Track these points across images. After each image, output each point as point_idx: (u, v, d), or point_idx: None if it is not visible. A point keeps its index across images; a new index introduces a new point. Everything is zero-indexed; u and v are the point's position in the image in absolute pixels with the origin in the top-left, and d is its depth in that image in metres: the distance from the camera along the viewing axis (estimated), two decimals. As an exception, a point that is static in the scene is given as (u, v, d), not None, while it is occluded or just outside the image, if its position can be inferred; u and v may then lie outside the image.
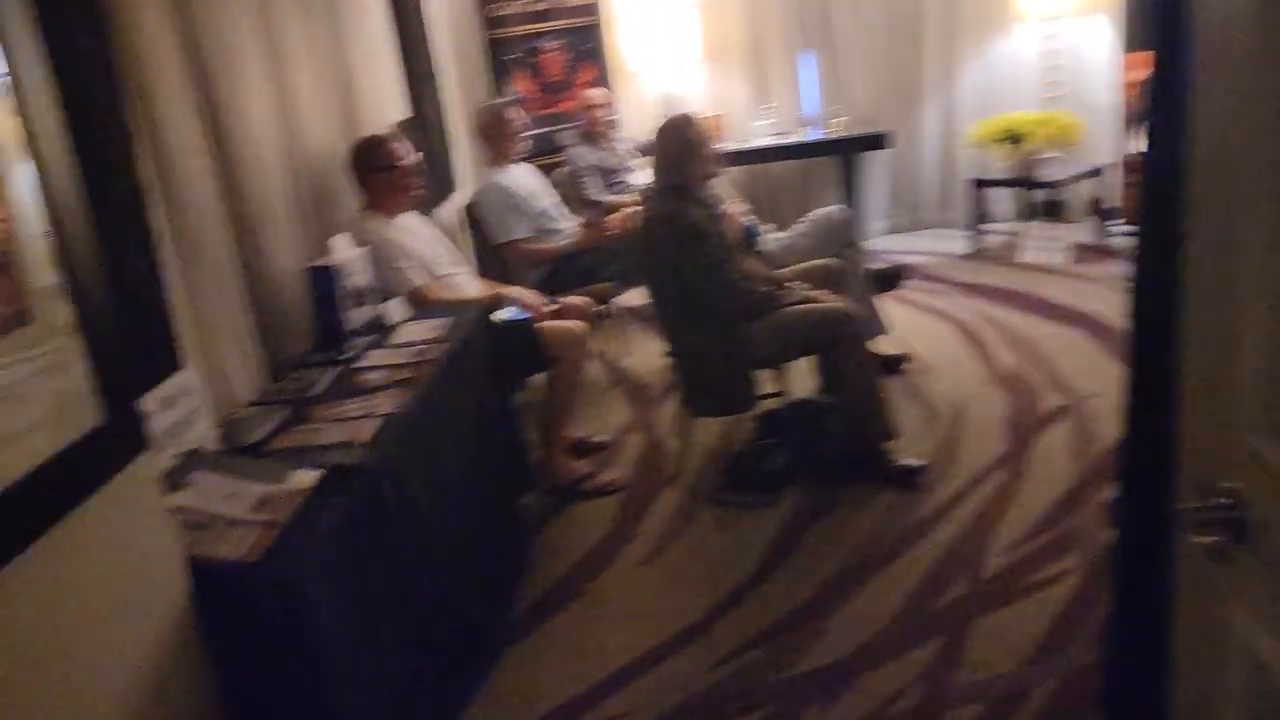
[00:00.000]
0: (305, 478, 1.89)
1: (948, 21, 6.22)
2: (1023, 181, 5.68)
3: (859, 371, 3.22)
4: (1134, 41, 5.43)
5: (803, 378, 3.60)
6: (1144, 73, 4.98)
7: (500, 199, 4.32)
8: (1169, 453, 1.27)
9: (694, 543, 3.11)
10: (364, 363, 2.71)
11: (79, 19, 1.80)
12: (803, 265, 3.71)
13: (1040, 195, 5.89)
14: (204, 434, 2.11)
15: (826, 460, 3.35)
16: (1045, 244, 5.45)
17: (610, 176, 5.11)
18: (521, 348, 3.30)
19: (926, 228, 6.56)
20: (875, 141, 5.96)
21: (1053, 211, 5.75)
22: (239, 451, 2.12)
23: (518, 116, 4.46)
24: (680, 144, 3.28)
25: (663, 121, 3.43)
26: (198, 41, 2.43)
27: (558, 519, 3.34)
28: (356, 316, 2.99)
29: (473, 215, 4.46)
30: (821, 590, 2.75)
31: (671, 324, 3.43)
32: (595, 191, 4.96)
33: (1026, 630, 2.46)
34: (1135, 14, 5.36)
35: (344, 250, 3.03)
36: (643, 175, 5.21)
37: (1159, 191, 1.25)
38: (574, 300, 3.78)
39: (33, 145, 1.33)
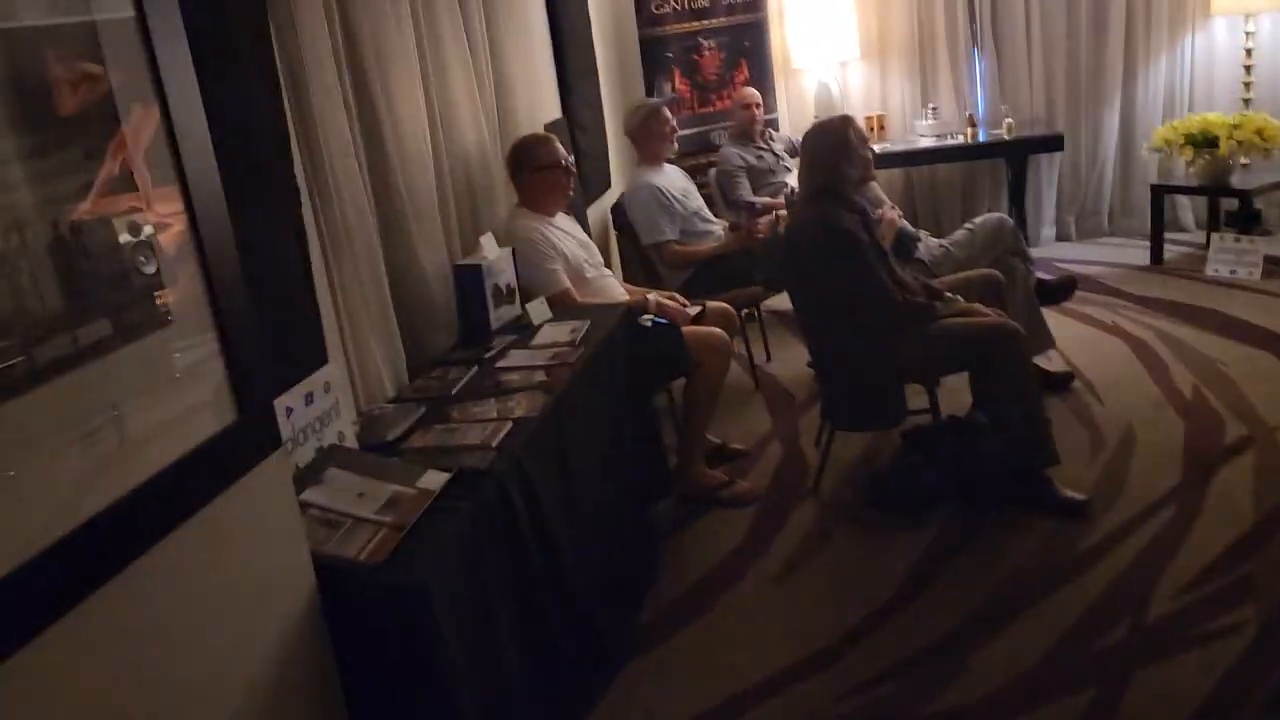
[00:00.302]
0: (434, 479, 1.89)
1: (1135, 14, 5.82)
2: (1211, 189, 5.26)
3: (1020, 392, 3.02)
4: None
5: (955, 394, 3.41)
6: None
7: (650, 199, 4.29)
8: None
9: (830, 562, 2.99)
10: (504, 363, 2.73)
11: (240, 16, 1.86)
12: (963, 275, 3.53)
13: (1230, 204, 5.44)
14: (344, 429, 2.15)
15: (978, 484, 3.16)
16: (1234, 257, 5.03)
17: (763, 177, 5.01)
18: (663, 352, 3.25)
19: (1102, 236, 6.17)
20: (1048, 144, 5.65)
21: (1244, 222, 5.29)
22: (376, 448, 2.16)
23: (670, 116, 4.41)
24: (835, 146, 3.15)
25: (814, 123, 3.32)
26: (354, 40, 2.48)
27: (691, 527, 3.28)
28: (501, 315, 3.01)
29: (622, 215, 4.45)
30: (965, 623, 2.58)
31: (817, 332, 3.32)
32: (745, 193, 4.87)
33: (1191, 686, 2.24)
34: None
35: (492, 249, 3.07)
36: (795, 177, 5.10)
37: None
38: (717, 305, 3.70)
39: (178, 146, 1.36)
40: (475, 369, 2.67)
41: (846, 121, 3.23)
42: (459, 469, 1.98)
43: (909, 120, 6.06)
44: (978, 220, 3.96)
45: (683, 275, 4.28)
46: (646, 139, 4.40)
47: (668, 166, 4.49)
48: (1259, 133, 4.94)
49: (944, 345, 3.08)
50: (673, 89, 5.35)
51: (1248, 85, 5.56)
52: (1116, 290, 5.03)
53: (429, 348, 2.84)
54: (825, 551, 3.04)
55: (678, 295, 3.63)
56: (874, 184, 4.31)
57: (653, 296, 3.50)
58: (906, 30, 6.05)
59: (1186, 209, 6.02)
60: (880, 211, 3.69)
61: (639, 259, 4.43)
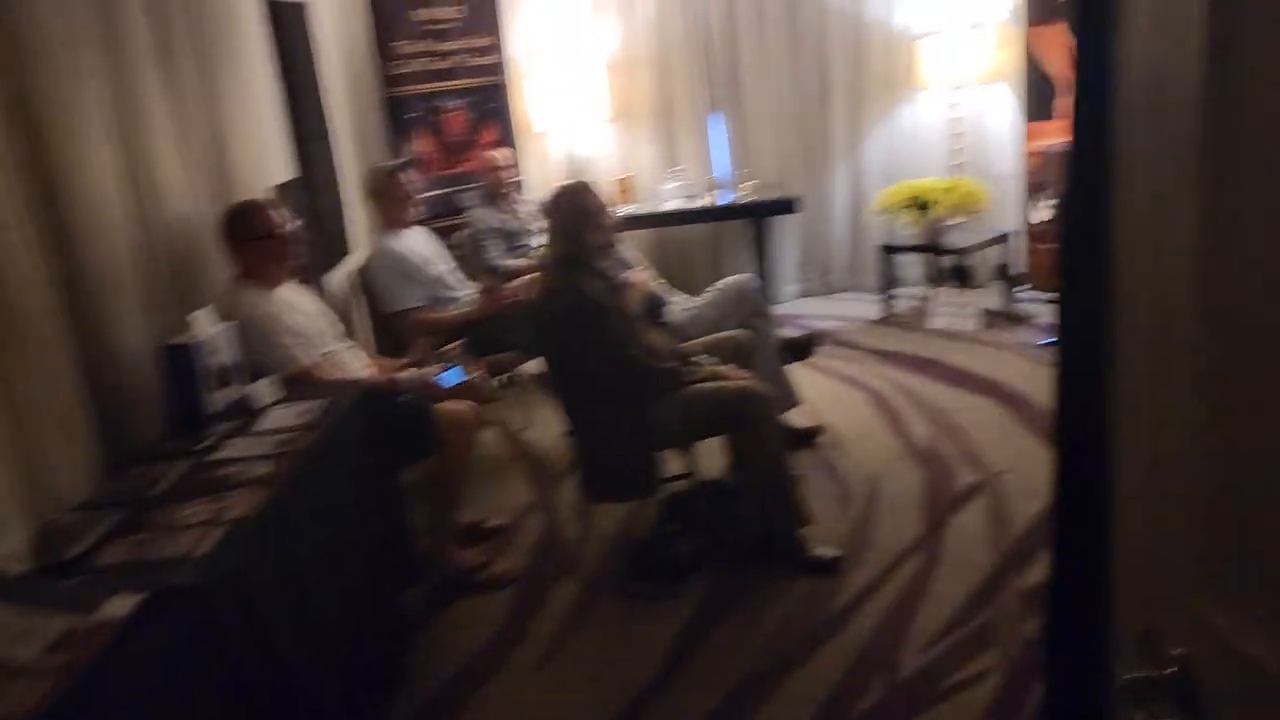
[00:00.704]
0: (120, 605, 1.60)
1: (854, 87, 6.23)
2: (930, 247, 5.66)
3: (770, 455, 3.04)
4: (1033, 111, 5.48)
5: (711, 457, 3.40)
6: (1044, 142, 5.04)
7: (391, 265, 4.08)
8: (1102, 589, 1.10)
9: (592, 642, 2.87)
10: (221, 454, 2.43)
11: None
12: (711, 337, 3.54)
13: (948, 261, 5.87)
14: (13, 547, 1.81)
15: (736, 547, 3.15)
16: (954, 310, 5.41)
17: (513, 240, 4.91)
18: (409, 431, 3.04)
19: (838, 292, 6.50)
20: (785, 206, 5.89)
21: (961, 277, 5.73)
22: (51, 570, 1.83)
23: (412, 178, 4.23)
24: (576, 213, 3.09)
25: (557, 188, 3.25)
26: (25, 96, 2.16)
27: (447, 615, 3.06)
28: (219, 399, 2.71)
29: (364, 282, 4.21)
30: (729, 698, 2.52)
31: (571, 401, 3.21)
32: (497, 255, 4.76)
33: (946, 741, 2.28)
34: (1034, 84, 5.42)
35: (207, 325, 2.76)
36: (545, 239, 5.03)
37: (1080, 281, 1.09)
38: (467, 381, 3.50)
39: None
40: (186, 463, 2.36)
41: (584, 188, 3.17)
42: (156, 588, 1.69)
43: (656, 183, 6.17)
44: (723, 282, 4.02)
45: (432, 343, 4.07)
46: (386, 202, 4.19)
47: (413, 229, 4.30)
48: (968, 195, 5.37)
49: (695, 411, 3.06)
50: (417, 150, 5.18)
51: (956, 151, 6.05)
52: (853, 344, 5.29)
53: (134, 440, 2.50)
54: (587, 630, 2.91)
55: (427, 376, 3.40)
56: (625, 245, 4.30)
57: (403, 376, 3.27)
58: (651, 94, 6.18)
59: (909, 266, 6.45)
60: (628, 274, 3.66)
61: (385, 328, 4.19)
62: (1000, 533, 3.16)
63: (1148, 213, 0.92)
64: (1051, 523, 1.17)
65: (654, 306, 3.77)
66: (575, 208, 3.09)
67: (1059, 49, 5.22)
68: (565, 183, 3.27)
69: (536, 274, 4.27)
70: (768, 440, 3.04)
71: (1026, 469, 3.57)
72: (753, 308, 3.89)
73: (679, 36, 6.04)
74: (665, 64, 6.12)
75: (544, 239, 4.89)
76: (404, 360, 3.57)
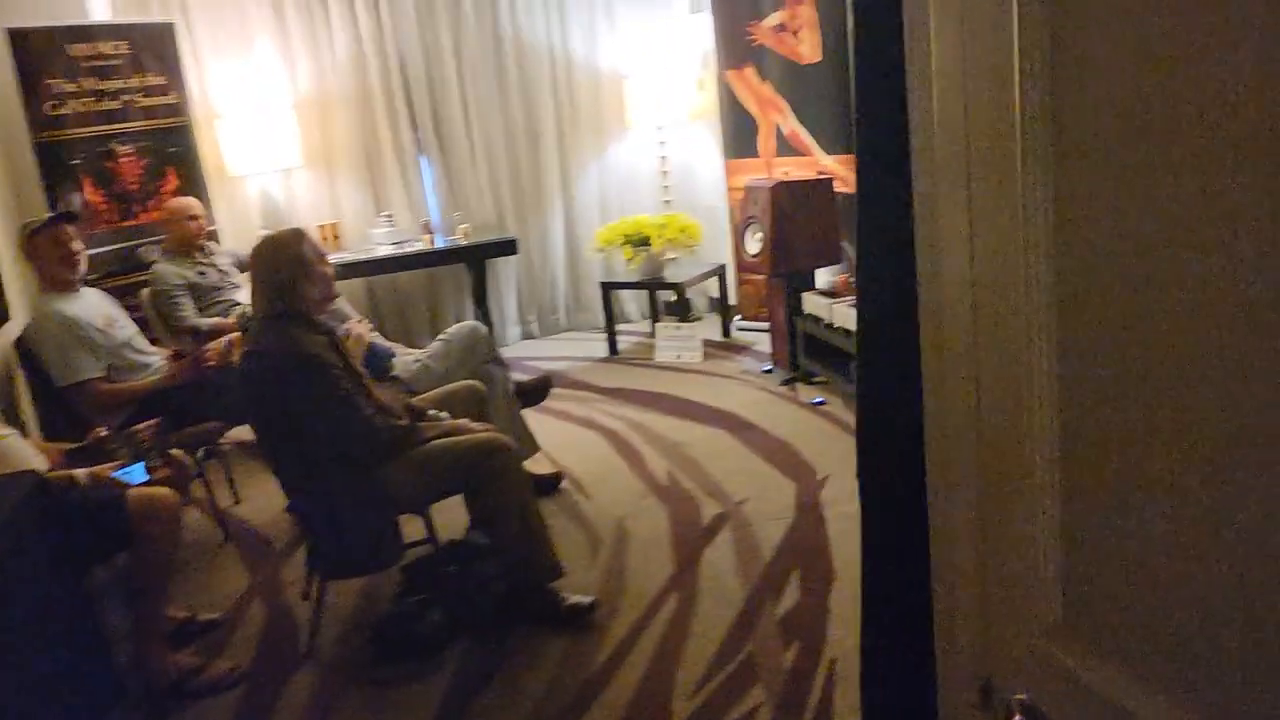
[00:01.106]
0: None
1: (564, 126, 6.25)
2: (650, 283, 5.75)
3: (518, 507, 2.87)
4: (735, 148, 5.73)
5: (449, 515, 3.18)
6: (746, 177, 5.27)
7: (61, 333, 3.54)
8: (922, 640, 1.04)
9: (338, 738, 2.56)
10: None
11: None
12: (443, 390, 3.34)
13: (667, 296, 6.00)
14: None
15: (488, 610, 2.95)
16: (677, 343, 5.51)
17: (208, 296, 4.45)
18: (97, 525, 2.60)
19: (561, 332, 6.47)
20: (506, 247, 5.79)
21: (680, 311, 5.87)
22: None
23: (71, 233, 3.67)
24: (289, 263, 2.79)
25: (263, 238, 2.94)
26: None
27: (159, 734, 2.64)
28: None
29: (27, 354, 3.62)
30: (498, 779, 2.32)
31: (289, 470, 2.89)
32: (191, 314, 4.28)
33: (729, 789, 2.20)
34: (734, 123, 5.67)
35: None
36: (247, 292, 4.60)
37: (882, 314, 1.04)
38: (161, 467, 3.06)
39: None
40: None
41: (299, 236, 2.88)
42: None
43: (365, 229, 5.86)
44: (450, 330, 3.83)
45: (118, 416, 3.56)
46: (44, 261, 3.63)
47: (85, 291, 3.76)
48: (682, 230, 5.50)
49: (435, 469, 2.84)
50: (83, 201, 4.57)
51: (665, 188, 6.22)
52: (584, 383, 5.24)
53: None
54: (331, 727, 2.60)
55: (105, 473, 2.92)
56: (339, 297, 3.99)
57: (79, 474, 2.78)
58: (352, 136, 5.87)
59: (631, 302, 6.54)
60: (348, 326, 3.38)
61: (58, 403, 3.63)
62: (750, 561, 3.18)
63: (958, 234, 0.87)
64: (863, 570, 1.10)
65: (378, 360, 3.51)
66: (286, 257, 2.79)
67: (752, 90, 5.48)
68: (273, 230, 2.96)
69: (237, 333, 3.89)
70: (515, 492, 2.87)
71: (765, 495, 3.64)
72: (484, 355, 3.73)
73: (375, 76, 5.79)
74: (365, 104, 5.84)
75: (245, 294, 4.48)
76: (80, 443, 3.08)
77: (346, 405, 2.74)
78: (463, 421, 3.06)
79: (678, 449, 4.19)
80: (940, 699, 1.01)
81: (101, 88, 4.60)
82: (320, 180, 5.87)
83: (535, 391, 4.09)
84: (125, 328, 3.83)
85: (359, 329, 3.40)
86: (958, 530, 0.92)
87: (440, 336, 3.80)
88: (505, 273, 6.23)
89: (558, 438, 4.36)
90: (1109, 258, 0.68)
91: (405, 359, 3.70)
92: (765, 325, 5.47)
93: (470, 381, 3.43)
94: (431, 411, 3.09)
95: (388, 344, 3.79)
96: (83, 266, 3.70)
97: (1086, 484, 0.76)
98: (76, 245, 3.65)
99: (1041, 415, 0.78)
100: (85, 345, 3.56)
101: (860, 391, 1.08)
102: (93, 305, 3.73)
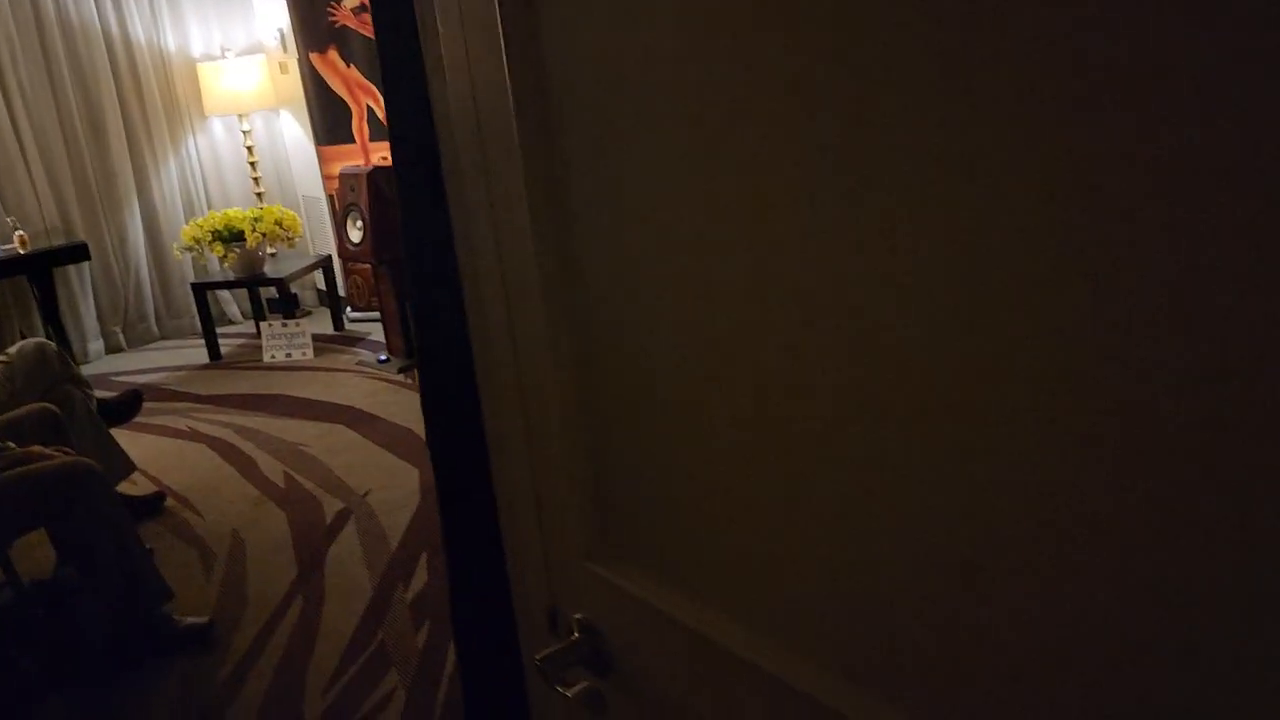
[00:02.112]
0: None
1: (133, 116, 5.73)
2: (249, 280, 5.46)
3: (111, 533, 2.65)
4: (326, 134, 5.58)
5: (29, 553, 2.86)
6: (341, 164, 5.16)
7: None
8: (501, 586, 1.13)
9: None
10: None
11: None
12: (11, 415, 2.98)
13: (270, 292, 5.73)
14: None
15: (91, 651, 2.70)
16: (286, 341, 5.30)
17: None
18: None
19: (154, 341, 5.97)
20: (73, 254, 5.21)
21: (286, 306, 5.64)
22: None
23: None
24: None
25: None
26: None
27: None
28: None
29: None
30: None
31: None
32: None
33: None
34: (324, 108, 5.51)
35: None
36: None
37: (430, 296, 1.11)
38: None
39: None
40: None
41: None
42: None
43: (-111, 242, 5.02)
44: (12, 350, 3.40)
45: None
46: None
47: None
48: (279, 223, 5.28)
49: (10, 503, 2.54)
50: None
51: (256, 179, 5.91)
52: (184, 394, 4.89)
53: None
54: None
55: None
56: None
57: None
58: None
59: (231, 302, 6.17)
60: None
61: None
62: (377, 553, 3.17)
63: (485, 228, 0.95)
64: (443, 534, 1.17)
65: (-80, 391, 3.05)
66: None
67: (339, 74, 5.36)
68: None
69: None
70: (106, 516, 2.64)
71: (389, 484, 3.64)
72: (56, 374, 3.36)
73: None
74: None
75: None
76: None
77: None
78: (35, 449, 2.77)
79: (294, 450, 4.06)
80: (520, 632, 1.12)
81: None
82: None
83: (123, 407, 3.77)
84: None
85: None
86: (514, 476, 1.02)
87: (1, 357, 3.38)
88: (79, 281, 5.62)
89: (157, 455, 4.05)
90: (587, 230, 0.80)
91: (-45, 387, 3.25)
92: (378, 315, 5.42)
93: (43, 404, 3.10)
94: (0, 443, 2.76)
95: (-69, 372, 3.30)
96: None
97: (603, 421, 0.87)
98: None
99: (559, 372, 0.88)
100: None
101: (423, 374, 1.15)
102: None
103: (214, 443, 4.21)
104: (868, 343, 0.57)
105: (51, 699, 2.60)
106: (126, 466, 3.49)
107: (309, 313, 6.12)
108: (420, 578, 3.00)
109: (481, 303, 1.00)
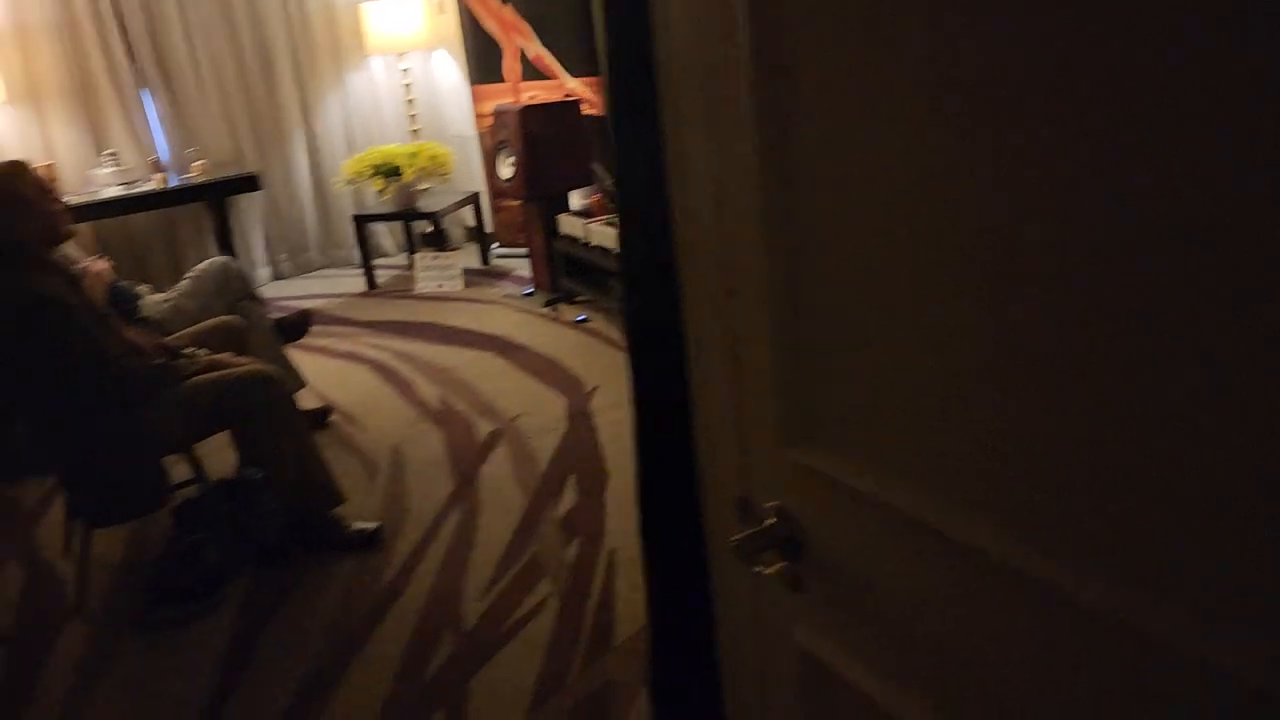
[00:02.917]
0: None
1: (300, 55, 6.00)
2: (404, 214, 5.69)
3: (291, 438, 2.86)
4: (479, 74, 5.72)
5: (215, 454, 3.11)
6: (494, 103, 5.30)
7: None
8: (689, 484, 1.21)
9: (123, 683, 2.50)
10: None
11: None
12: (198, 327, 3.23)
13: (423, 226, 5.96)
14: None
15: (269, 543, 2.94)
16: (437, 273, 5.52)
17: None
18: None
19: (315, 270, 6.29)
20: (245, 184, 5.53)
21: (437, 240, 5.85)
22: None
23: None
24: (9, 200, 2.60)
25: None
26: None
27: (-87, 709, 2.48)
28: None
29: None
30: (300, 694, 2.36)
31: (36, 422, 2.74)
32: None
33: (522, 674, 2.35)
34: (478, 48, 5.65)
35: None
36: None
37: (639, 219, 1.18)
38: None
39: None
40: None
41: (17, 169, 2.68)
42: None
43: (85, 169, 5.42)
44: (199, 268, 3.67)
45: None
46: None
47: None
48: (433, 159, 5.47)
49: (199, 405, 2.77)
50: None
51: (412, 117, 6.12)
52: (345, 319, 5.16)
53: None
54: (114, 674, 2.53)
55: None
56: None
57: None
58: (59, 71, 5.37)
59: (386, 235, 6.44)
60: (85, 265, 3.19)
61: None
62: (527, 472, 3.32)
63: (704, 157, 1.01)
64: (636, 427, 1.25)
65: (123, 300, 3.33)
66: (7, 194, 2.61)
67: (493, 14, 5.48)
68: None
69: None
70: (287, 421, 2.86)
71: (537, 410, 3.78)
72: (238, 290, 3.62)
73: (81, 2, 5.31)
74: (73, 34, 5.36)
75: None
76: None
77: (94, 347, 2.61)
78: (223, 356, 3.00)
79: (447, 374, 4.25)
80: (707, 524, 1.19)
81: None
82: (27, 118, 5.36)
83: (294, 327, 4.01)
84: None
85: (97, 266, 3.21)
86: (713, 375, 1.09)
87: (188, 275, 3.65)
88: (249, 211, 5.96)
89: (322, 373, 4.30)
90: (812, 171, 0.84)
91: (154, 299, 3.52)
92: (523, 250, 5.57)
93: (227, 318, 3.34)
94: (189, 349, 3.00)
95: (131, 284, 3.59)
96: None
97: (802, 319, 0.93)
98: None
99: (765, 262, 0.94)
100: None
101: (626, 274, 1.21)
102: None
103: (373, 365, 4.44)
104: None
105: (233, 582, 2.84)
106: (297, 381, 3.72)
107: (458, 247, 6.34)
108: (568, 498, 3.13)
109: (688, 185, 1.06)
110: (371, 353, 4.60)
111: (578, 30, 5.08)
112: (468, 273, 5.62)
